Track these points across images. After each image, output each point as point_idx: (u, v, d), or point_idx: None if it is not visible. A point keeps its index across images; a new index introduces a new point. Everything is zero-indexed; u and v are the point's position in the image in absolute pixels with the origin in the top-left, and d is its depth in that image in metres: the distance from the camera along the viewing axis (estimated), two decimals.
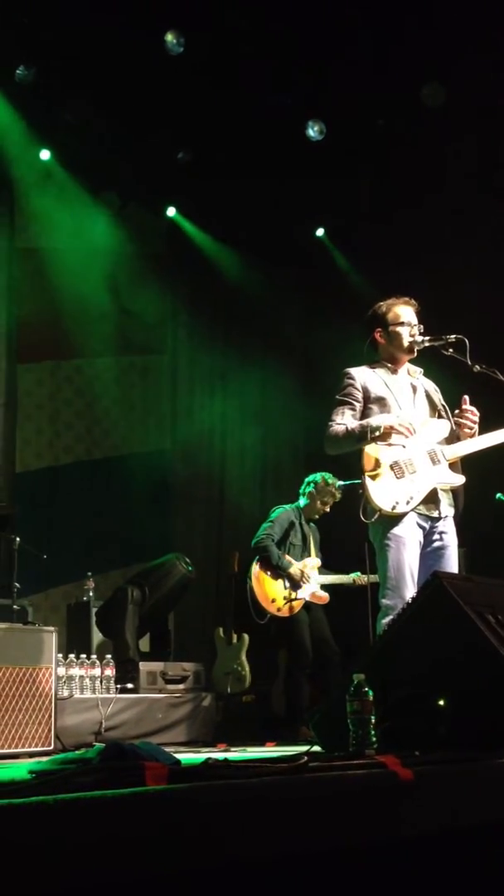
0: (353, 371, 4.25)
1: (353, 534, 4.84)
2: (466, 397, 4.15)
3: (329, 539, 6.61)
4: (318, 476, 6.43)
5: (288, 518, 6.44)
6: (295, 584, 6.29)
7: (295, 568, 6.28)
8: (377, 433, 4.01)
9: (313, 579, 6.33)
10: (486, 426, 4.22)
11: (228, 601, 7.15)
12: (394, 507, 3.96)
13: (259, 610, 6.35)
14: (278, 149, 7.39)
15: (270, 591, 6.34)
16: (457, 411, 4.16)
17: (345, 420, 4.15)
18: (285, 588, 6.32)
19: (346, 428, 4.10)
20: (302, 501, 6.51)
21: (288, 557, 6.31)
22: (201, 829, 1.73)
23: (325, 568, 6.50)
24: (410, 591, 3.81)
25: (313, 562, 6.39)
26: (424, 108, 6.97)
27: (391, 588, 3.92)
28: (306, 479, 6.53)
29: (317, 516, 6.53)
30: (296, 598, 6.29)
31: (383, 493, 3.98)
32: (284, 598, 6.30)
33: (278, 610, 6.30)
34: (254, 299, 8.48)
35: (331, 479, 6.34)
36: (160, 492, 7.93)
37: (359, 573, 6.19)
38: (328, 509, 6.45)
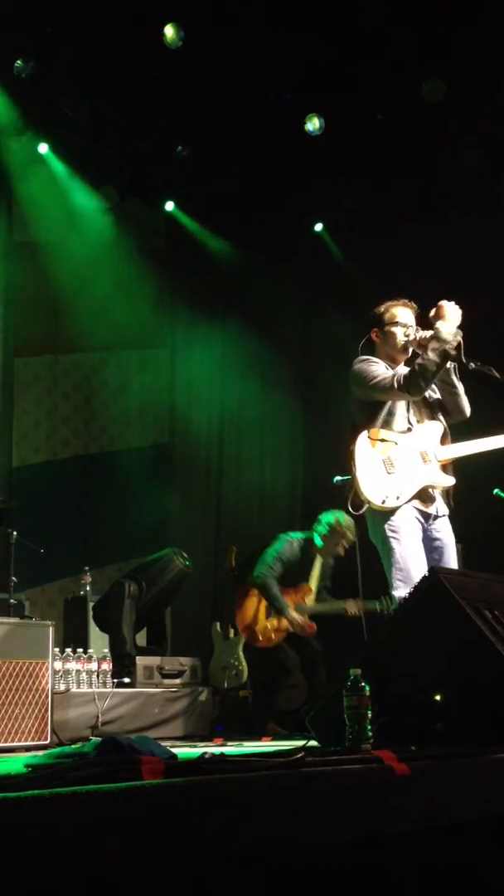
0: (365, 357, 4.25)
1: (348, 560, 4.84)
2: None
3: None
4: (330, 517, 6.12)
5: (292, 551, 6.23)
6: (277, 606, 6.15)
7: (293, 617, 6.08)
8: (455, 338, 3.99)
9: (302, 609, 6.15)
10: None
11: (225, 596, 7.16)
12: (383, 502, 3.98)
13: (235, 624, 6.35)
14: (277, 143, 7.38)
15: (251, 617, 6.28)
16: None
17: (388, 371, 4.12)
18: (267, 619, 6.25)
19: (410, 369, 4.06)
20: (317, 540, 6.22)
21: (284, 591, 6.18)
22: (198, 823, 1.73)
23: (329, 594, 6.33)
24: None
25: (304, 590, 6.23)
26: (424, 104, 6.95)
27: (402, 579, 3.92)
28: (321, 518, 6.21)
29: (331, 560, 6.27)
30: (277, 632, 6.22)
31: (374, 486, 4.00)
32: (266, 630, 6.23)
33: (253, 639, 6.28)
34: (252, 294, 8.48)
35: (345, 520, 6.00)
36: (158, 486, 7.93)
37: (353, 600, 5.98)
38: (342, 552, 6.15)
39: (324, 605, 6.22)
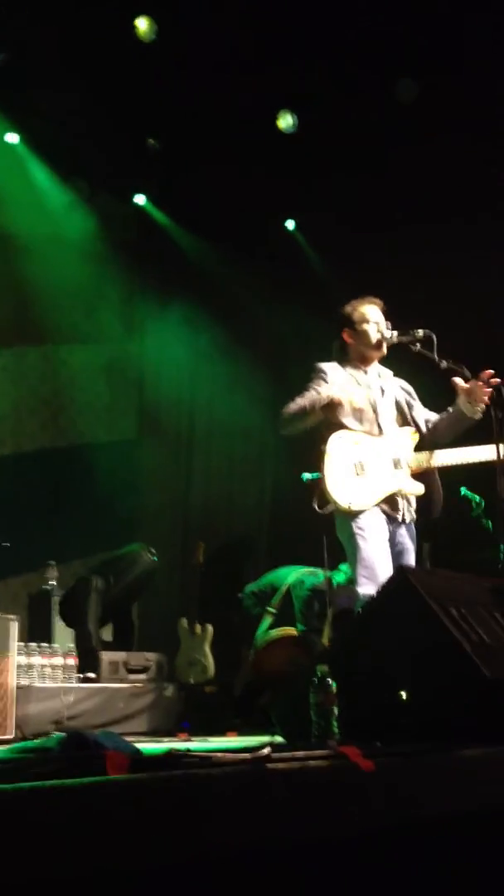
0: (324, 366, 4.27)
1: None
2: (455, 379, 4.11)
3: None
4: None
5: (312, 599, 6.14)
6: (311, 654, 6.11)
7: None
8: (325, 401, 4.04)
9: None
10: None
11: (193, 592, 7.14)
12: (349, 505, 4.00)
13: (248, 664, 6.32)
14: (249, 140, 7.37)
15: (277, 663, 6.15)
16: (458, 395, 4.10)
17: (300, 400, 4.17)
18: (295, 656, 6.14)
19: (298, 403, 4.12)
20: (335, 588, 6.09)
21: None
22: (162, 819, 1.72)
23: None
24: (387, 577, 3.82)
25: None
26: (398, 104, 6.97)
27: (367, 576, 3.94)
28: (342, 567, 5.96)
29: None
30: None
31: (340, 488, 4.02)
32: (286, 671, 6.18)
33: (269, 675, 6.23)
34: (223, 289, 8.46)
35: None
36: (126, 481, 7.89)
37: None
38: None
39: None
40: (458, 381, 4.04)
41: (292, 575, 6.39)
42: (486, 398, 3.97)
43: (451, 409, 4.17)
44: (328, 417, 4.19)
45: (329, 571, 5.89)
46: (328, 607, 6.09)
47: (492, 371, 4.01)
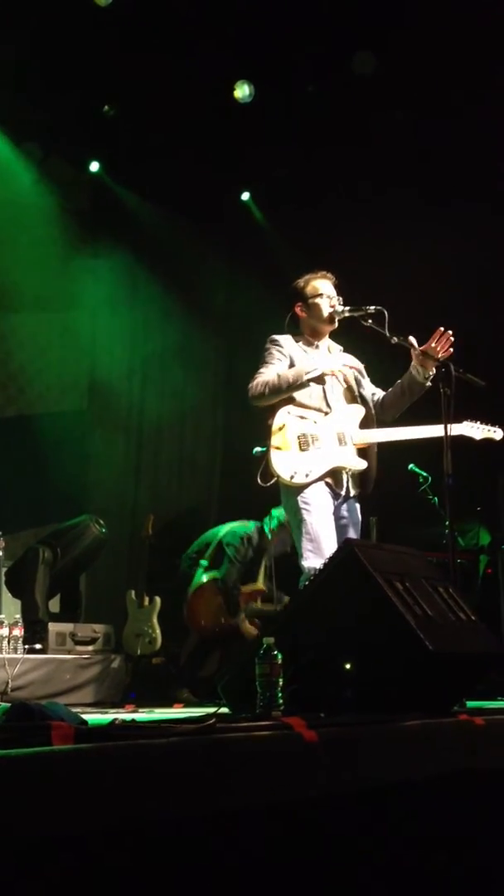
0: (279, 337, 4.29)
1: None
2: (411, 338, 4.13)
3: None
4: (282, 514, 6.04)
5: (248, 553, 6.31)
6: (232, 608, 6.22)
7: (247, 629, 6.12)
8: (313, 374, 4.06)
9: (250, 610, 6.23)
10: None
11: (141, 564, 7.14)
12: (291, 477, 4.04)
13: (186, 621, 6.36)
14: (206, 109, 7.30)
15: (207, 620, 6.31)
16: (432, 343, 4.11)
17: (272, 371, 4.17)
18: (221, 608, 6.27)
19: (278, 374, 4.13)
20: (268, 535, 6.27)
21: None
22: (108, 789, 1.73)
23: (270, 591, 6.36)
24: (332, 551, 3.85)
25: (256, 593, 6.32)
26: (355, 75, 6.95)
27: (312, 550, 3.97)
28: (273, 512, 6.19)
29: (279, 553, 6.29)
30: (225, 626, 6.26)
31: (284, 462, 4.06)
32: (215, 624, 6.27)
33: (203, 633, 6.30)
34: (176, 258, 8.40)
35: None
36: (75, 452, 7.83)
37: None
38: (288, 549, 6.15)
39: (272, 606, 6.26)
40: (413, 340, 4.08)
41: (223, 529, 6.47)
42: (441, 352, 4.01)
43: (400, 381, 4.21)
44: None
45: (259, 522, 5.99)
46: (262, 553, 6.22)
47: (442, 328, 4.05)
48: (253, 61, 7.08)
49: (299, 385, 4.11)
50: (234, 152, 7.70)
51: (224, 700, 3.04)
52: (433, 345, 4.05)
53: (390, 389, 4.30)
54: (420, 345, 4.09)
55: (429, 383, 4.10)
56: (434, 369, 4.06)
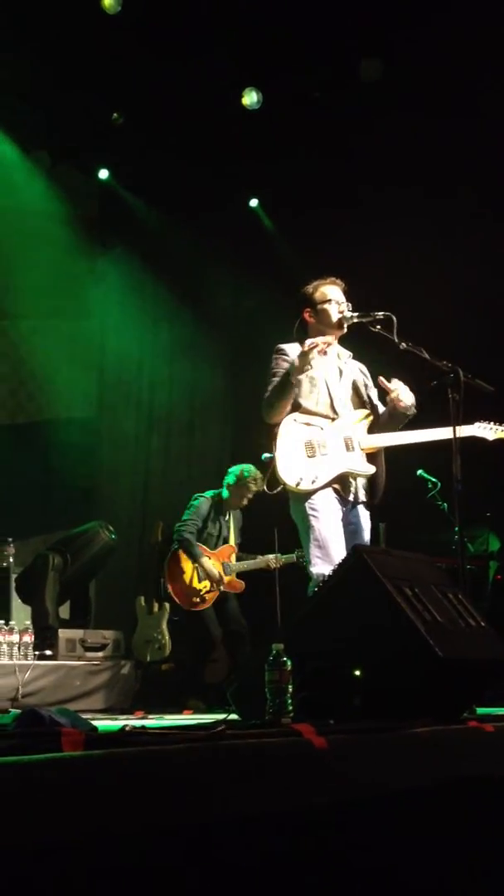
0: (286, 346, 4.28)
1: (265, 516, 4.87)
2: (381, 378, 4.18)
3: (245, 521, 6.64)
4: (237, 468, 6.41)
5: (206, 507, 6.42)
6: (194, 558, 6.29)
7: (209, 566, 6.24)
8: (299, 360, 4.03)
9: (229, 568, 6.34)
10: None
11: (150, 570, 7.14)
12: (298, 484, 4.03)
13: (171, 598, 6.40)
14: (214, 116, 7.32)
15: (185, 585, 6.33)
16: (388, 399, 4.17)
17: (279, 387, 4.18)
18: (200, 581, 6.31)
19: (279, 392, 4.13)
20: (224, 492, 6.46)
21: (204, 549, 6.31)
22: (117, 795, 1.73)
23: (245, 552, 6.50)
24: (341, 557, 3.85)
25: (228, 550, 6.41)
26: (362, 82, 6.96)
27: (321, 556, 3.96)
28: (229, 470, 6.50)
29: (240, 514, 6.54)
30: (210, 591, 6.29)
31: (291, 468, 4.05)
32: (199, 592, 6.29)
33: (192, 605, 6.32)
34: (185, 266, 8.42)
35: (249, 472, 6.31)
36: (85, 458, 7.85)
37: (274, 555, 6.23)
38: (246, 502, 6.42)
39: (248, 563, 6.38)
40: (384, 383, 4.12)
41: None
42: (395, 403, 4.10)
43: (386, 406, 4.23)
44: None
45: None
46: (226, 513, 6.49)
47: (382, 378, 4.14)
48: (260, 68, 7.10)
49: (291, 389, 4.08)
50: (243, 159, 7.71)
51: (233, 707, 3.04)
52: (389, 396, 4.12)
53: (384, 409, 4.31)
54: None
55: (410, 412, 4.13)
56: (414, 409, 4.12)
